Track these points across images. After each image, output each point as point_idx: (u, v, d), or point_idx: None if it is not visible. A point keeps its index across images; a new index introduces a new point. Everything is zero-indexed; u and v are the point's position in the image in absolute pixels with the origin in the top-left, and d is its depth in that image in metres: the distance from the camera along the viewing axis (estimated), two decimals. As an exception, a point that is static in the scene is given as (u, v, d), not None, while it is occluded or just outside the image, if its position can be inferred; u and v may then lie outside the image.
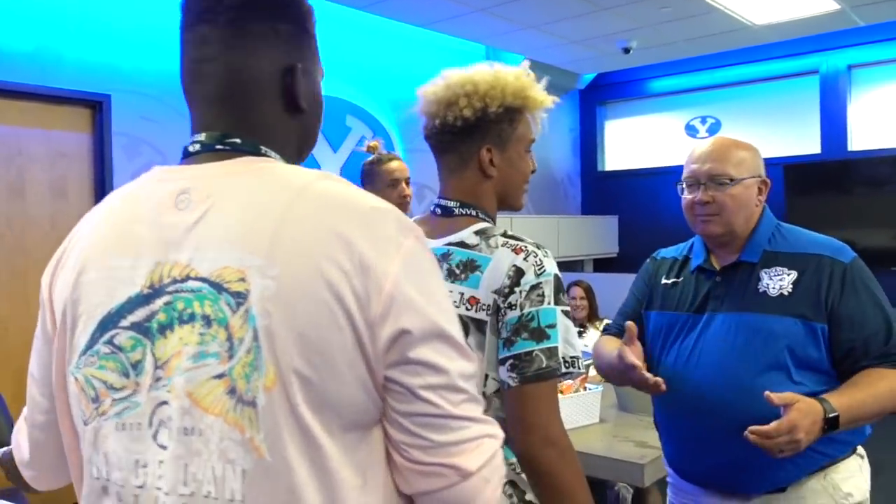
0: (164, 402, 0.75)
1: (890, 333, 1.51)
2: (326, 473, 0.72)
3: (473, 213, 1.34)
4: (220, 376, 0.72)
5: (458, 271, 1.28)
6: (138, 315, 0.77)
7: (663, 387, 1.49)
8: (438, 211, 1.37)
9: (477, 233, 1.31)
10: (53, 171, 3.75)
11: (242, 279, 0.72)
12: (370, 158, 2.83)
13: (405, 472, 0.77)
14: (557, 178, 7.43)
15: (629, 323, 1.56)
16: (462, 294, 1.27)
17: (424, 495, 0.78)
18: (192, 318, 0.74)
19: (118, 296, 0.78)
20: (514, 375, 1.21)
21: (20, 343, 3.52)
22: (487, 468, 0.78)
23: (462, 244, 1.30)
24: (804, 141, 6.34)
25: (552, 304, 1.22)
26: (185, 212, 0.78)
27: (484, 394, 1.26)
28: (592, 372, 3.30)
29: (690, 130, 7.00)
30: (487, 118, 1.31)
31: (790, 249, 1.59)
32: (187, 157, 0.84)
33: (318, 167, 5.08)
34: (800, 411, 1.34)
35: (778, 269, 1.57)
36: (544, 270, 1.24)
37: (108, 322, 0.78)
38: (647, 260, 1.86)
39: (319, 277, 0.71)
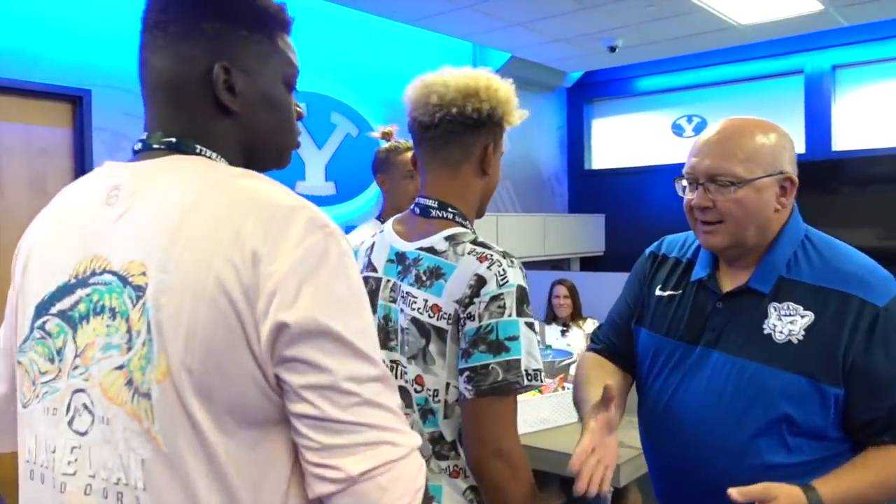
0: (81, 390, 0.78)
1: None
2: (219, 468, 0.73)
3: (450, 215, 1.31)
4: (120, 367, 0.75)
5: (424, 278, 1.27)
6: (65, 303, 0.81)
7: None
8: (417, 210, 1.35)
9: (447, 238, 1.29)
10: (33, 166, 3.71)
11: (143, 273, 0.75)
12: (385, 146, 2.58)
13: (305, 473, 0.76)
14: (544, 177, 7.42)
15: (607, 385, 1.27)
16: (426, 301, 1.26)
17: (322, 500, 0.75)
18: (102, 310, 0.77)
19: (51, 284, 0.82)
20: (469, 388, 1.19)
21: (-2, 341, 3.47)
22: (384, 476, 0.73)
23: (432, 250, 1.29)
24: (789, 140, 6.36)
25: (514, 316, 1.19)
26: (113, 207, 0.81)
27: (446, 402, 1.25)
28: (573, 370, 3.31)
29: (677, 129, 7.02)
30: (494, 118, 1.31)
31: (810, 279, 1.25)
32: (134, 155, 0.87)
33: (303, 164, 5.06)
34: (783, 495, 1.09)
35: (791, 305, 1.24)
36: (507, 281, 1.20)
37: (42, 309, 0.83)
38: (645, 254, 1.55)
39: (210, 272, 0.72)
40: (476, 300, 1.20)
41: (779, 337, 1.24)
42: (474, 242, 1.27)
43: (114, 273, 0.77)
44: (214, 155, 0.85)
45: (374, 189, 5.49)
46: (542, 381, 1.21)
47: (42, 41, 3.71)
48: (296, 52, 0.94)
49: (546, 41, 5.68)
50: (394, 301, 1.31)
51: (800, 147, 6.28)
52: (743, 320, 1.29)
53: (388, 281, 1.33)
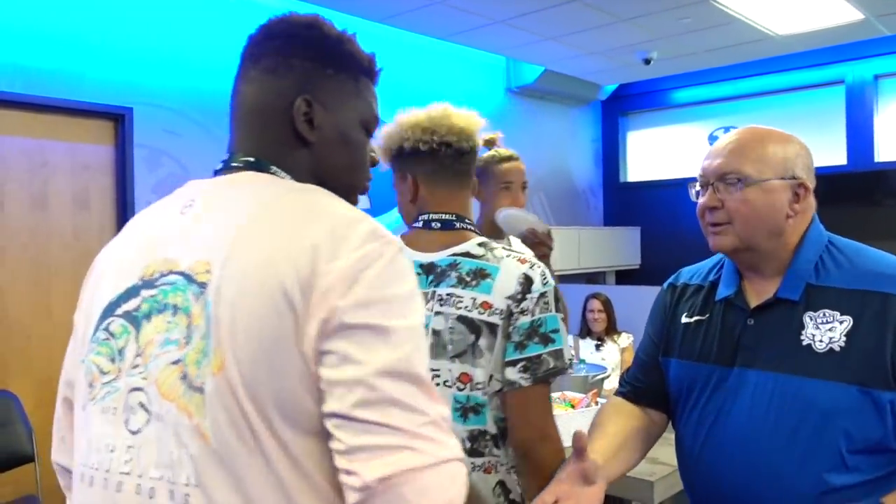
0: (138, 388, 0.79)
1: None
2: (272, 465, 0.73)
3: (472, 227, 1.48)
4: (176, 362, 0.77)
5: (468, 279, 1.38)
6: (130, 304, 0.83)
7: None
8: (437, 225, 1.46)
9: (480, 244, 1.43)
10: (76, 182, 3.81)
11: (208, 270, 0.78)
12: (485, 154, 2.44)
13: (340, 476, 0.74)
14: (579, 190, 7.39)
15: (577, 433, 1.22)
16: (474, 299, 1.37)
17: None
18: (164, 308, 0.80)
19: (119, 287, 0.86)
20: (526, 376, 1.32)
21: (43, 352, 3.57)
22: (407, 487, 0.68)
23: (468, 254, 1.42)
24: (830, 152, 6.25)
25: (554, 312, 1.36)
26: (185, 216, 0.87)
27: (487, 393, 1.36)
28: (607, 385, 3.28)
29: (713, 141, 6.92)
30: (475, 151, 1.52)
31: (842, 284, 1.21)
32: (214, 174, 0.94)
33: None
34: None
35: (827, 312, 1.20)
36: (547, 281, 1.39)
37: (108, 310, 0.86)
38: (664, 287, 1.50)
39: (270, 269, 0.75)
40: (528, 296, 1.35)
41: (819, 346, 1.19)
42: (505, 248, 1.44)
43: (180, 273, 0.81)
44: (287, 177, 0.90)
45: (408, 203, 5.52)
46: (573, 368, 1.36)
47: (85, 61, 3.82)
48: (378, 103, 1.02)
49: (580, 54, 5.67)
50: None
51: (841, 158, 6.17)
52: (778, 334, 1.24)
53: None
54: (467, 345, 1.35)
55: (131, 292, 0.84)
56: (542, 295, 1.36)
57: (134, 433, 0.78)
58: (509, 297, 1.35)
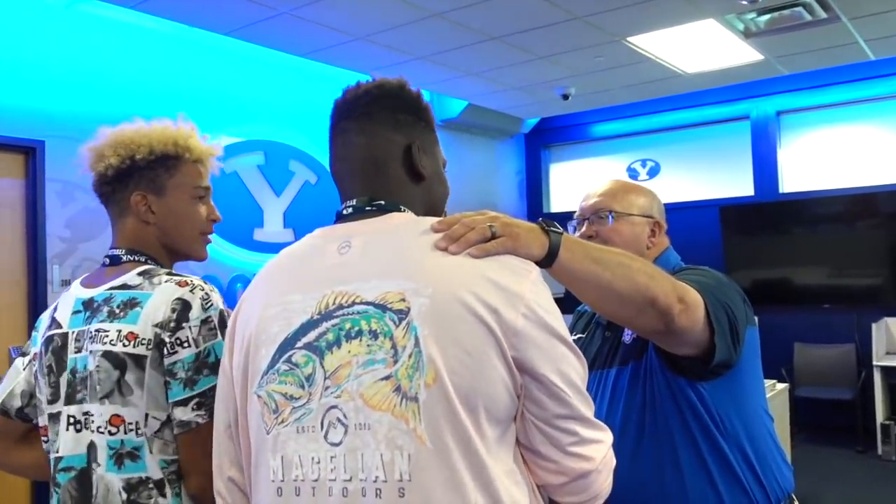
0: (334, 407, 0.92)
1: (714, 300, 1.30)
2: (478, 459, 0.89)
3: (141, 258, 1.34)
4: (386, 378, 0.90)
5: (117, 311, 1.26)
6: (310, 337, 0.96)
7: None
8: (107, 261, 1.36)
9: (140, 273, 1.30)
10: (-16, 217, 3.68)
11: (403, 300, 0.91)
12: None
13: (535, 468, 0.96)
14: (504, 220, 7.51)
15: None
16: (120, 331, 1.24)
17: (554, 487, 0.97)
18: (359, 333, 0.93)
19: (294, 323, 0.97)
20: (202, 413, 1.19)
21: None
22: (604, 461, 0.98)
23: (124, 286, 1.29)
24: (738, 183, 6.57)
25: (220, 338, 1.22)
26: (347, 255, 0.99)
27: (144, 434, 1.22)
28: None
29: (632, 173, 7.19)
30: (136, 165, 1.34)
31: None
32: (341, 219, 1.06)
33: (261, 211, 5.09)
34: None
35: None
36: (211, 304, 1.24)
37: (287, 345, 0.97)
38: (576, 311, 1.77)
39: (465, 294, 0.90)
40: (185, 324, 1.22)
41: (627, 339, 1.50)
42: (170, 273, 1.30)
43: (369, 303, 0.93)
44: (412, 214, 1.06)
45: (333, 235, 5.53)
46: None
47: (-5, 93, 3.72)
48: None
49: (501, 89, 5.83)
50: (80, 350, 1.27)
51: (748, 189, 6.49)
52: (615, 338, 1.55)
53: (74, 332, 1.30)
54: (113, 382, 1.22)
55: (308, 326, 0.96)
56: (205, 321, 1.23)
57: (335, 445, 0.91)
58: (158, 325, 1.22)
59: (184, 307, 1.23)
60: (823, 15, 4.36)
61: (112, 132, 1.37)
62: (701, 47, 4.94)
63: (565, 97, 5.86)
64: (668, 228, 1.63)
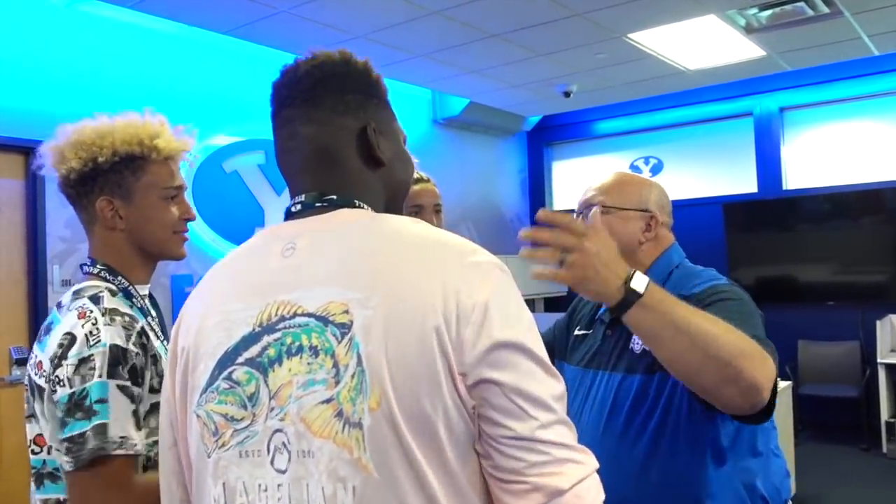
0: (279, 430, 0.83)
1: (756, 332, 1.24)
2: (431, 491, 0.79)
3: (97, 270, 1.27)
4: (327, 401, 0.80)
5: (43, 334, 1.22)
6: (252, 352, 0.86)
7: None
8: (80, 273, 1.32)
9: (75, 292, 1.24)
10: (-16, 218, 3.68)
11: (346, 311, 0.81)
12: None
13: (499, 492, 0.81)
14: (507, 218, 7.51)
15: None
16: (35, 357, 1.20)
17: None
18: (300, 350, 0.83)
19: (234, 336, 0.87)
20: (69, 460, 1.10)
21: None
22: (575, 488, 0.79)
23: (59, 305, 1.24)
24: (742, 180, 6.54)
25: (104, 378, 1.11)
26: (291, 258, 0.88)
27: (42, 473, 1.18)
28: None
29: (634, 170, 7.16)
30: (100, 168, 1.25)
31: None
32: (290, 216, 0.95)
33: (262, 211, 5.08)
34: (606, 237, 1.12)
35: None
36: (98, 341, 1.13)
37: (226, 360, 0.87)
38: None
39: (414, 304, 0.79)
40: (65, 362, 1.12)
41: (637, 348, 1.42)
42: (93, 298, 1.20)
43: (310, 315, 0.83)
44: (368, 208, 0.94)
45: (334, 234, 5.52)
46: (136, 450, 1.13)
47: (-6, 94, 3.72)
48: None
49: (502, 87, 5.81)
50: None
51: (752, 186, 6.46)
52: (620, 342, 1.47)
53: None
54: (32, 406, 1.19)
55: (249, 340, 0.86)
56: (85, 360, 1.11)
57: (281, 472, 0.82)
58: (51, 359, 1.15)
59: (69, 343, 1.14)
60: (826, 10, 4.33)
61: (73, 130, 1.28)
62: (702, 43, 4.91)
63: (567, 94, 5.84)
64: (673, 224, 1.56)
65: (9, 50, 3.80)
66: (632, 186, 1.53)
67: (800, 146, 6.31)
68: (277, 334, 0.84)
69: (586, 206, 1.53)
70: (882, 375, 5.33)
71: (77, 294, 1.23)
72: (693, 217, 6.46)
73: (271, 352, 0.84)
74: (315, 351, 0.81)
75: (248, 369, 0.85)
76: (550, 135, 7.69)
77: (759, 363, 1.10)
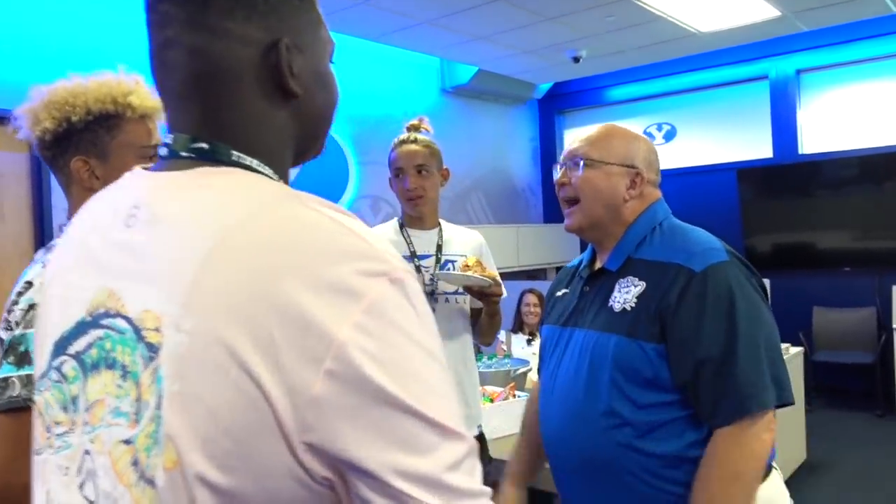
0: (88, 452, 0.65)
1: (725, 363, 1.23)
2: None
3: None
4: (127, 442, 0.62)
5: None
6: (80, 344, 0.68)
7: None
8: None
9: (46, 247, 1.23)
10: (-11, 191, 3.70)
11: (157, 329, 0.60)
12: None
13: None
14: (518, 188, 7.45)
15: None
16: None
17: None
18: (114, 364, 0.64)
19: (70, 318, 0.70)
20: None
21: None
22: None
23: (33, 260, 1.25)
24: (757, 145, 6.42)
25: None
26: (131, 231, 0.67)
27: None
28: (535, 377, 3.31)
29: (648, 137, 7.05)
30: (74, 128, 1.24)
31: (651, 256, 1.38)
32: (160, 161, 0.72)
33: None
34: None
35: (630, 279, 1.38)
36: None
37: (60, 346, 0.70)
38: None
39: (238, 335, 0.56)
40: (15, 307, 1.13)
41: (616, 307, 1.37)
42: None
43: (129, 320, 0.63)
44: (255, 163, 0.69)
45: (342, 205, 5.51)
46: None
47: (-4, 66, 3.72)
48: None
49: (511, 54, 5.72)
50: None
51: (767, 151, 6.34)
52: (598, 298, 1.43)
53: None
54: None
55: (80, 328, 0.68)
56: (34, 307, 1.11)
57: (91, 503, 0.65)
58: (7, 307, 1.16)
59: (25, 289, 1.14)
60: (841, -34, 4.19)
61: (47, 91, 1.27)
62: (715, 4, 4.79)
63: (576, 60, 5.74)
64: (660, 182, 1.51)
65: (10, 23, 3.78)
66: (619, 140, 1.47)
67: (817, 109, 6.17)
68: (101, 332, 0.65)
69: (571, 157, 1.47)
70: (898, 342, 5.25)
71: (48, 248, 1.22)
72: (707, 183, 6.37)
73: (94, 353, 0.66)
74: (125, 372, 0.62)
75: (75, 365, 0.68)
76: (562, 102, 7.58)
77: (750, 470, 1.25)
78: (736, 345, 1.24)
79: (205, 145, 0.68)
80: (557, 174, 1.51)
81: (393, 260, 0.61)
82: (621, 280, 1.39)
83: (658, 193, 1.50)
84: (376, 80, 5.80)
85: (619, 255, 1.43)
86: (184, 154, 0.69)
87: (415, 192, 2.15)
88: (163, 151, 0.71)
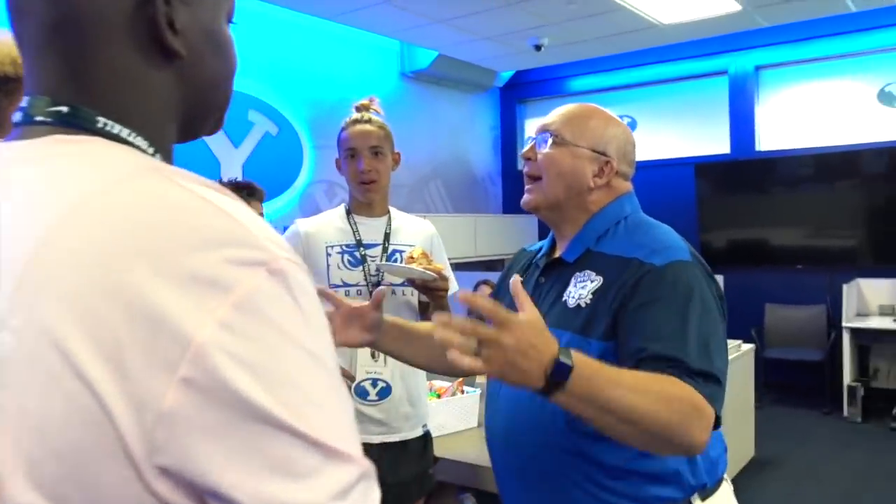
0: None
1: (672, 361, 1.10)
2: None
3: None
4: None
5: None
6: None
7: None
8: None
9: None
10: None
11: None
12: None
13: None
14: (478, 177, 7.36)
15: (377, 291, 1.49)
16: None
17: None
18: None
19: None
20: None
21: None
22: None
23: None
24: (715, 141, 6.43)
25: None
26: None
27: None
28: (478, 377, 3.23)
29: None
30: None
31: (610, 250, 1.28)
32: (15, 128, 0.60)
33: (218, 163, 4.87)
34: (537, 323, 0.99)
35: (587, 273, 1.28)
36: None
37: None
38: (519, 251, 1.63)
39: (73, 335, 0.46)
40: None
41: (570, 302, 1.27)
42: None
43: None
44: (126, 132, 0.57)
45: (296, 189, 5.36)
46: None
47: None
48: None
49: (472, 39, 5.61)
50: None
51: (725, 147, 6.35)
52: (552, 291, 1.33)
53: None
54: None
55: None
56: None
57: None
58: None
59: None
60: (803, -38, 4.17)
61: None
62: (677, -4, 4.75)
63: (538, 48, 5.66)
64: (633, 175, 1.40)
65: None
66: (595, 122, 1.35)
67: (774, 106, 6.20)
68: None
69: (542, 131, 1.36)
70: (846, 339, 5.30)
71: None
72: (665, 177, 6.35)
73: None
74: None
75: None
76: (523, 91, 7.50)
77: (693, 424, 1.06)
78: (686, 343, 1.12)
79: (64, 108, 0.57)
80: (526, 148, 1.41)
81: (273, 247, 0.50)
82: (578, 273, 1.29)
83: (628, 186, 1.40)
84: (334, 62, 5.64)
85: (577, 245, 1.34)
86: (39, 119, 0.57)
87: (369, 174, 2.02)
88: (17, 117, 0.59)
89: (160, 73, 0.60)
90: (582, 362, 1.00)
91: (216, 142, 4.88)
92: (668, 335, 1.13)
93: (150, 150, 0.59)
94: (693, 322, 1.15)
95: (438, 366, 1.49)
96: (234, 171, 4.95)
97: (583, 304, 1.25)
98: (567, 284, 1.30)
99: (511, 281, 1.09)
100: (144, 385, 0.45)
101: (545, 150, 1.34)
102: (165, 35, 0.58)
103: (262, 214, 2.68)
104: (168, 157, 0.62)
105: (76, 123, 0.57)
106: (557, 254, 1.38)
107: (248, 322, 0.47)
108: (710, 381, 1.10)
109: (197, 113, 0.65)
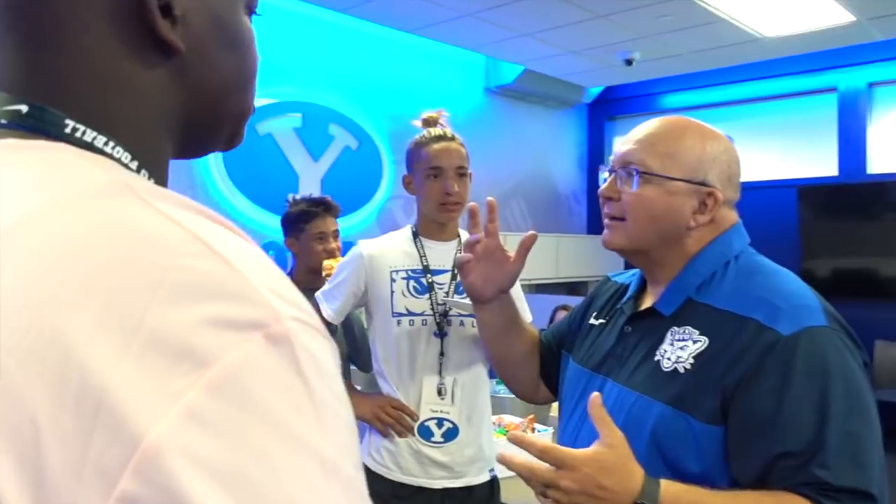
0: None
1: (809, 459, 0.90)
2: None
3: None
4: None
5: None
6: None
7: None
8: None
9: None
10: None
11: None
12: (416, 136, 1.96)
13: None
14: (562, 195, 7.13)
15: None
16: None
17: None
18: None
19: None
20: None
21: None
22: None
23: None
24: (820, 162, 5.98)
25: None
26: None
27: None
28: (553, 412, 3.01)
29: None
30: None
31: (718, 303, 1.05)
32: None
33: (297, 177, 4.84)
34: (605, 460, 0.90)
35: (688, 330, 1.05)
36: None
37: None
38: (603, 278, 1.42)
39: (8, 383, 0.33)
40: None
41: (665, 364, 1.04)
42: None
43: None
44: (101, 140, 0.45)
45: (374, 204, 5.28)
46: None
47: None
48: None
49: (558, 53, 5.41)
50: None
51: (832, 169, 5.90)
52: (642, 346, 1.11)
53: None
54: None
55: None
56: None
57: None
58: None
59: None
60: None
61: None
62: (782, 7, 4.41)
63: (629, 63, 5.40)
64: (738, 201, 1.17)
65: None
66: (689, 142, 1.10)
67: (889, 126, 5.70)
68: None
69: (622, 163, 1.13)
70: (970, 384, 4.78)
71: None
72: (764, 200, 5.93)
73: None
74: None
75: None
76: (612, 108, 7.23)
77: None
78: (824, 448, 0.90)
79: (24, 108, 0.44)
80: (603, 181, 1.18)
81: (277, 302, 0.35)
82: (676, 328, 1.06)
83: (734, 217, 1.15)
84: (417, 76, 5.55)
85: (675, 295, 1.10)
86: (2, 121, 0.45)
87: (456, 196, 1.86)
88: None
89: (152, 72, 0.47)
90: (673, 498, 0.88)
91: (296, 155, 4.86)
92: (801, 436, 0.91)
93: (133, 165, 0.47)
94: (835, 416, 0.91)
95: (517, 371, 1.45)
96: (313, 185, 4.91)
97: (681, 370, 1.02)
98: (661, 340, 1.07)
99: (590, 399, 0.96)
100: (68, 500, 0.30)
101: (631, 189, 1.10)
102: (158, 23, 0.45)
103: (337, 230, 2.60)
104: (159, 176, 0.49)
105: (38, 127, 0.44)
106: (648, 302, 1.16)
107: (229, 412, 0.31)
108: (860, 500, 0.88)
109: (202, 123, 0.52)
